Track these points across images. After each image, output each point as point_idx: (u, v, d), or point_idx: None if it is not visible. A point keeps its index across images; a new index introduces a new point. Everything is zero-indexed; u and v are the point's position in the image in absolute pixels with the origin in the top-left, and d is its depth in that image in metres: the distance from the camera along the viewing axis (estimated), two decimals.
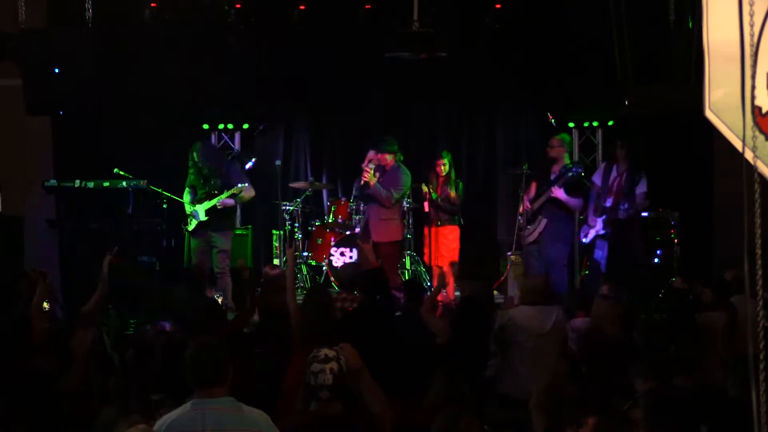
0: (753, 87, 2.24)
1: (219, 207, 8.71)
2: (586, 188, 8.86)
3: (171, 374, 5.18)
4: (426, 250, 9.14)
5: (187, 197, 8.92)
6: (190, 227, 8.89)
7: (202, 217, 8.75)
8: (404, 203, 9.33)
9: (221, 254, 8.80)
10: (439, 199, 9.04)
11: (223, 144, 10.87)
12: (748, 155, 2.25)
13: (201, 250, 8.83)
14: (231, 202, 8.83)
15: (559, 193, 8.47)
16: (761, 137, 2.28)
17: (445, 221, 9.08)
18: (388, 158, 8.95)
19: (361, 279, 6.79)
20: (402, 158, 9.04)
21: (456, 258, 8.93)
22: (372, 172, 8.85)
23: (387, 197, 8.82)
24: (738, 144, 2.32)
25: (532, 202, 8.69)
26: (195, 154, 8.83)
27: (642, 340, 5.79)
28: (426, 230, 9.07)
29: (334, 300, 6.55)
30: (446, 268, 8.81)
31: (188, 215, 8.90)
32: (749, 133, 2.24)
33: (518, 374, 5.88)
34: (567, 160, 8.70)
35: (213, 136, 10.50)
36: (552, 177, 8.60)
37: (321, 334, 5.18)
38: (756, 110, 2.28)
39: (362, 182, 9.03)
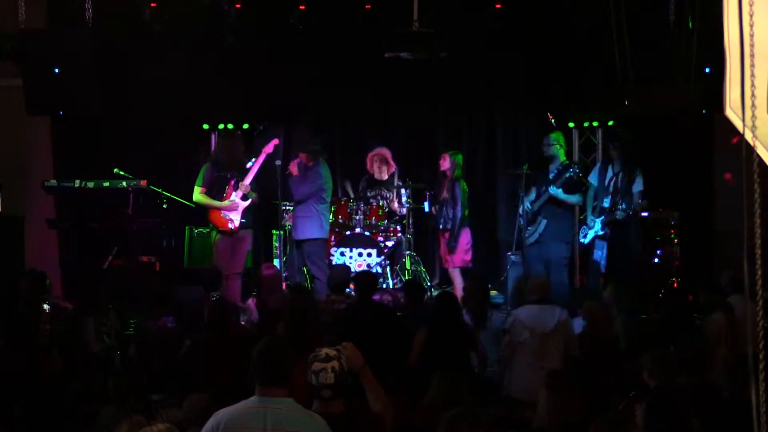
0: None
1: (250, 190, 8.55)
2: (583, 185, 8.90)
3: (172, 372, 5.17)
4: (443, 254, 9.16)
5: (201, 196, 8.53)
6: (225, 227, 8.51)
7: (245, 203, 8.51)
8: (328, 202, 9.13)
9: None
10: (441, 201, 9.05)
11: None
12: (748, 136, 2.25)
13: (230, 250, 8.59)
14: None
15: (557, 193, 8.51)
16: None
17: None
18: (305, 158, 8.91)
19: (356, 279, 6.80)
20: (318, 158, 8.92)
21: (466, 260, 8.97)
22: (298, 166, 8.89)
23: (301, 193, 8.82)
24: (756, 143, 2.31)
25: (531, 203, 8.71)
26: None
27: (632, 342, 5.81)
28: (439, 234, 9.12)
29: (316, 303, 6.51)
30: (457, 280, 8.89)
31: (222, 214, 8.49)
32: (749, 114, 2.23)
33: (522, 375, 5.88)
34: (563, 158, 8.73)
35: (213, 136, 10.48)
36: (550, 176, 8.63)
37: (306, 336, 5.18)
38: None
39: (286, 172, 9.00)
